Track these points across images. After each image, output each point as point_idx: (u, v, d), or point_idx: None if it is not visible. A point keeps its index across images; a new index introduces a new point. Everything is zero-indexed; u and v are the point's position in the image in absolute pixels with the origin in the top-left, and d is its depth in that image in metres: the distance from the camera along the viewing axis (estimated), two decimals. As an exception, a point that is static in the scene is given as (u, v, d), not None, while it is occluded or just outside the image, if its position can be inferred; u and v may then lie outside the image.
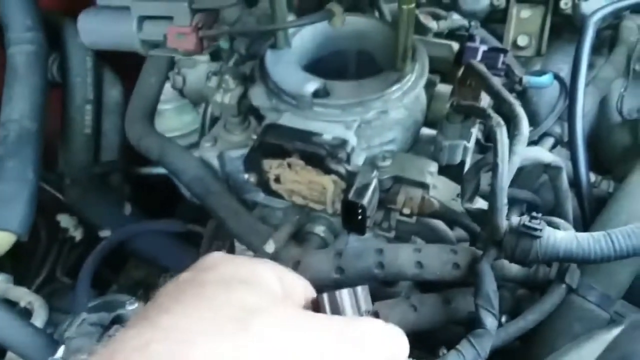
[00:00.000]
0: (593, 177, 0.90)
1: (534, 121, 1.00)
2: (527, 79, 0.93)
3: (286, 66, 0.78)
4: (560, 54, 1.12)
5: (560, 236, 0.62)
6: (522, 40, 1.12)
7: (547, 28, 1.11)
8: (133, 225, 1.03)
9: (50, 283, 1.02)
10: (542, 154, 0.73)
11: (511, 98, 0.70)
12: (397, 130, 0.78)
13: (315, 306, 0.47)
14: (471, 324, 0.60)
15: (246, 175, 0.75)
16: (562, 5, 1.08)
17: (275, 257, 0.74)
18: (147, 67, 0.94)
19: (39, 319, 0.83)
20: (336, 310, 0.46)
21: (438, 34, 1.01)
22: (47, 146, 0.98)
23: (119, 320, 0.61)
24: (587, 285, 0.68)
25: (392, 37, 0.76)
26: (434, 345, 0.71)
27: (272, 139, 0.70)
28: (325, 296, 0.46)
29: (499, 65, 0.84)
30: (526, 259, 0.62)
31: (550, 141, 0.98)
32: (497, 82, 0.74)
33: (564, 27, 1.12)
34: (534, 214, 0.64)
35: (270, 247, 0.73)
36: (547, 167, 0.74)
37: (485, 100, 0.79)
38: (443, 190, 0.77)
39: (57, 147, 1.09)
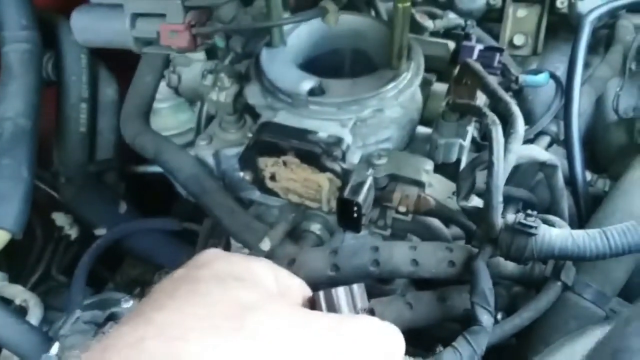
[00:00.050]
0: (589, 175, 0.91)
1: (529, 120, 1.00)
2: (523, 78, 0.93)
3: (282, 64, 0.78)
4: (556, 53, 1.12)
5: (556, 233, 0.62)
6: (518, 40, 1.12)
7: (543, 27, 1.11)
8: (128, 223, 1.03)
9: (45, 281, 1.01)
10: (538, 152, 0.73)
11: (507, 96, 0.70)
12: (393, 128, 0.78)
13: (311, 304, 0.47)
14: (467, 321, 0.60)
15: (241, 174, 0.75)
16: (558, 4, 1.09)
17: (270, 255, 0.74)
18: (143, 65, 0.94)
19: (34, 316, 0.83)
20: (332, 307, 0.46)
21: (434, 33, 1.02)
22: (42, 145, 0.98)
23: (113, 318, 0.61)
24: (583, 283, 0.68)
25: (388, 35, 0.76)
26: (430, 342, 0.71)
27: (267, 137, 0.70)
28: (321, 294, 0.46)
29: (495, 64, 0.84)
30: (522, 256, 0.62)
31: (546, 140, 0.98)
32: (492, 80, 0.74)
33: (560, 27, 1.12)
34: (529, 211, 0.64)
35: (265, 244, 0.73)
36: (542, 166, 0.74)
37: (481, 100, 0.79)
38: (439, 189, 0.77)
39: (52, 146, 1.09)
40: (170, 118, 1.01)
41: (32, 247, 1.04)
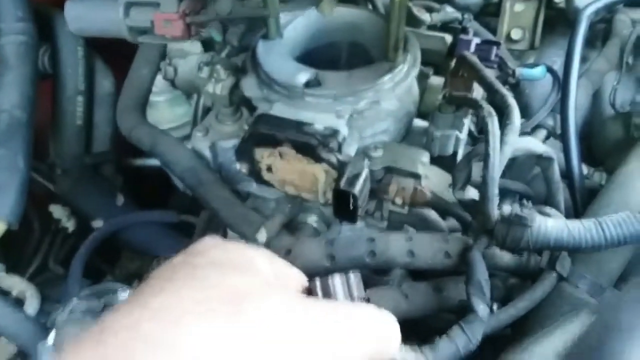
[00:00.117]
0: (585, 169, 0.91)
1: (526, 114, 1.01)
2: (520, 71, 0.93)
3: (278, 57, 0.78)
4: (553, 47, 1.13)
5: (551, 224, 0.62)
6: (515, 34, 1.12)
7: (541, 21, 1.11)
8: (126, 215, 1.03)
9: (42, 273, 1.01)
10: (534, 144, 0.73)
11: (503, 89, 0.70)
12: (389, 121, 0.78)
13: (308, 292, 0.47)
14: (463, 312, 0.60)
15: (238, 165, 0.75)
16: (555, -2, 1.09)
17: (267, 246, 0.74)
18: (139, 58, 0.94)
19: (31, 307, 0.83)
20: (328, 295, 0.46)
21: (431, 27, 1.02)
22: (39, 137, 0.98)
23: (110, 307, 0.61)
24: (578, 274, 0.68)
25: (385, 28, 0.76)
26: (426, 333, 0.71)
27: (263, 129, 0.70)
28: (317, 281, 0.47)
29: (492, 57, 0.84)
30: (517, 247, 0.62)
31: (542, 133, 0.98)
32: (489, 73, 0.74)
33: (558, 21, 1.12)
34: (525, 201, 0.64)
35: (262, 235, 0.73)
36: (538, 158, 0.74)
37: (478, 93, 0.79)
38: (435, 180, 0.77)
39: (49, 139, 1.09)
40: (166, 111, 1.01)
41: (29, 239, 1.04)
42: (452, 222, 0.81)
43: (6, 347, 0.78)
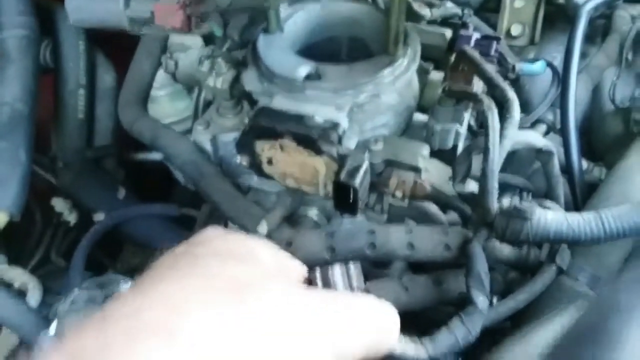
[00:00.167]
0: (585, 164, 0.91)
1: (526, 109, 1.01)
2: (520, 66, 0.94)
3: (278, 50, 0.79)
4: (553, 43, 1.13)
5: (551, 217, 0.62)
6: (515, 30, 1.12)
7: (541, 17, 1.11)
8: (127, 208, 1.03)
9: (44, 265, 1.02)
10: (534, 137, 0.74)
11: (503, 82, 0.71)
12: (389, 114, 0.78)
13: (308, 283, 0.47)
14: (462, 305, 0.60)
15: (239, 158, 0.75)
16: (555, -6, 1.09)
17: (267, 238, 0.74)
18: (140, 52, 0.94)
19: (33, 298, 0.84)
20: (328, 284, 0.47)
21: (431, 22, 1.01)
22: (41, 131, 0.98)
23: (111, 298, 0.61)
24: (578, 267, 0.68)
25: (385, 23, 0.76)
26: (426, 325, 0.71)
27: (264, 122, 0.70)
28: (317, 271, 0.47)
29: (492, 52, 0.84)
30: (517, 239, 0.63)
31: (542, 128, 0.98)
32: (489, 67, 0.74)
33: (557, 17, 1.12)
34: (525, 194, 0.64)
35: (262, 228, 0.74)
36: (538, 152, 0.75)
37: (478, 88, 0.79)
38: (435, 174, 0.77)
39: (51, 132, 1.09)
40: (167, 105, 1.01)
41: (31, 232, 1.05)
42: (452, 216, 0.81)
43: (8, 338, 0.78)
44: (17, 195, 0.83)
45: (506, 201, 0.65)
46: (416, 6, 1.01)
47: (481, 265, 0.62)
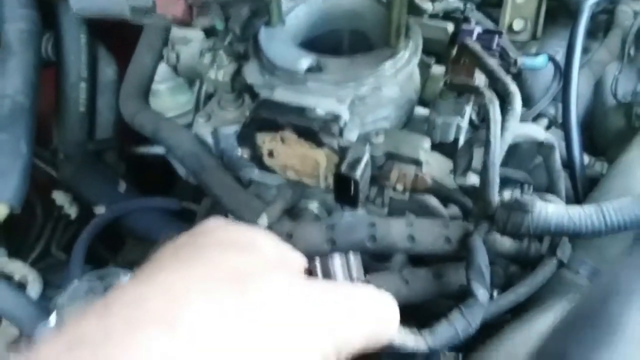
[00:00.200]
0: (587, 159, 0.91)
1: (528, 104, 1.00)
2: (522, 61, 0.93)
3: (280, 43, 0.79)
4: (555, 38, 1.12)
5: (552, 210, 0.62)
6: (517, 25, 1.11)
7: (543, 12, 1.11)
8: (128, 202, 1.03)
9: (44, 258, 1.02)
10: (535, 130, 0.73)
11: (505, 75, 0.71)
12: (391, 107, 0.78)
13: (308, 273, 0.47)
14: (463, 297, 0.60)
15: (240, 151, 0.75)
16: (557, -12, 1.09)
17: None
18: (142, 45, 0.94)
19: (33, 291, 0.84)
20: (328, 274, 0.47)
21: (433, 16, 1.01)
22: (42, 125, 0.98)
23: (112, 288, 0.61)
24: (579, 260, 0.68)
25: (386, 16, 0.76)
26: (426, 318, 0.71)
27: (265, 114, 0.70)
28: (317, 261, 0.47)
29: (494, 46, 0.84)
30: (518, 232, 0.63)
31: (544, 122, 0.98)
32: (491, 60, 0.74)
33: (560, 12, 1.12)
34: (526, 187, 0.64)
35: (263, 221, 0.74)
36: (540, 146, 0.74)
37: (480, 82, 0.79)
38: (436, 167, 0.77)
39: (52, 126, 1.09)
40: (168, 99, 1.01)
41: (31, 225, 1.05)
42: (453, 210, 0.81)
43: (8, 330, 0.78)
44: (17, 188, 0.83)
45: (507, 194, 0.65)
46: (418, 0, 1.01)
47: (482, 258, 0.62)
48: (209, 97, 0.90)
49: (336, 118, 0.69)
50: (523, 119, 0.80)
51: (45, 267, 0.95)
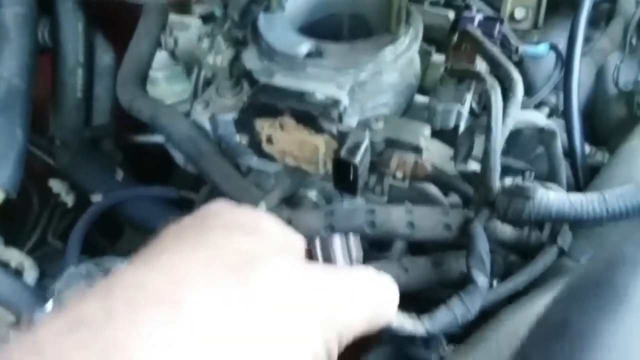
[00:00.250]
0: (588, 148, 0.90)
1: (529, 93, 1.00)
2: (523, 49, 0.93)
3: (279, 28, 0.78)
4: (557, 28, 1.11)
5: (553, 196, 0.61)
6: (519, 13, 1.10)
7: (545, 0, 1.10)
8: (125, 190, 1.02)
9: (41, 247, 1.01)
10: (537, 117, 0.73)
11: (507, 61, 0.70)
12: (390, 93, 0.77)
13: (308, 254, 0.47)
14: (462, 285, 0.60)
15: (238, 137, 0.75)
16: (559, -23, 1.08)
17: (268, 216, 0.74)
18: (139, 31, 0.93)
19: (30, 278, 0.83)
20: (327, 254, 0.46)
21: (434, 3, 1.00)
22: (39, 113, 0.97)
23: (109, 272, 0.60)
24: (580, 248, 0.68)
25: (387, 1, 0.76)
26: (425, 306, 0.71)
27: (264, 98, 0.70)
28: (317, 241, 0.47)
29: (495, 34, 0.83)
30: (519, 218, 0.62)
31: (545, 111, 0.97)
32: (492, 46, 0.73)
33: (562, 1, 1.11)
34: (527, 173, 0.63)
35: (261, 207, 0.73)
36: (541, 133, 0.74)
37: (481, 68, 0.79)
38: (436, 154, 0.77)
39: (49, 115, 1.08)
40: (165, 87, 1.00)
41: (28, 213, 1.04)
42: (454, 199, 0.80)
43: (4, 316, 0.77)
44: (13, 173, 0.82)
45: (508, 180, 0.65)
46: (419, -13, 1.00)
47: (482, 244, 0.61)
48: (207, 84, 0.89)
49: (336, 103, 0.69)
50: (524, 108, 0.80)
51: (42, 255, 0.95)
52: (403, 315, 0.52)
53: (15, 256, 0.85)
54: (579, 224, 0.65)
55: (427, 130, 0.75)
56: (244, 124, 0.73)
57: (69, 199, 1.04)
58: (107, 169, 1.08)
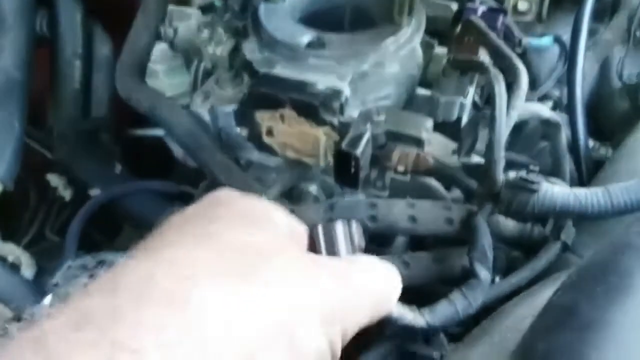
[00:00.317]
0: (591, 143, 0.89)
1: (533, 86, 0.99)
2: (527, 41, 0.92)
3: (280, 18, 0.77)
4: (560, 22, 1.10)
5: (557, 190, 0.61)
6: (522, 5, 1.09)
7: (548, -7, 1.09)
8: (124, 184, 1.01)
9: (38, 242, 1.00)
10: (541, 108, 0.72)
11: (511, 52, 0.69)
12: (392, 85, 0.76)
13: (311, 241, 0.47)
14: (464, 280, 0.59)
15: (238, 129, 0.74)
16: (563, -31, 1.07)
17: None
18: (138, 23, 0.92)
19: (27, 272, 0.83)
20: (330, 241, 0.46)
21: (437, -6, 0.99)
22: (37, 108, 0.97)
23: (104, 264, 0.59)
24: (584, 243, 0.67)
25: (390, -9, 0.75)
26: (426, 300, 0.70)
27: (265, 89, 0.69)
28: (319, 227, 0.46)
29: (499, 25, 0.82)
30: (523, 212, 0.61)
31: (549, 104, 0.96)
32: (496, 37, 0.72)
33: (565, -6, 1.10)
34: (532, 167, 0.63)
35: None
36: (545, 125, 0.73)
37: (485, 59, 0.78)
38: (438, 148, 0.76)
39: (46, 108, 1.07)
40: (164, 80, 0.99)
41: (25, 208, 1.03)
42: (456, 193, 0.80)
43: (2, 311, 0.77)
44: (10, 164, 0.82)
45: (512, 174, 0.64)
46: (421, -21, 0.99)
47: (485, 238, 0.60)
48: (207, 76, 0.88)
49: (337, 94, 0.68)
50: (528, 101, 0.79)
51: (39, 250, 0.94)
52: (403, 307, 0.52)
53: (12, 251, 0.85)
54: (583, 217, 0.64)
55: (429, 123, 0.74)
56: (244, 115, 0.72)
57: (66, 193, 1.04)
58: (106, 163, 1.07)
